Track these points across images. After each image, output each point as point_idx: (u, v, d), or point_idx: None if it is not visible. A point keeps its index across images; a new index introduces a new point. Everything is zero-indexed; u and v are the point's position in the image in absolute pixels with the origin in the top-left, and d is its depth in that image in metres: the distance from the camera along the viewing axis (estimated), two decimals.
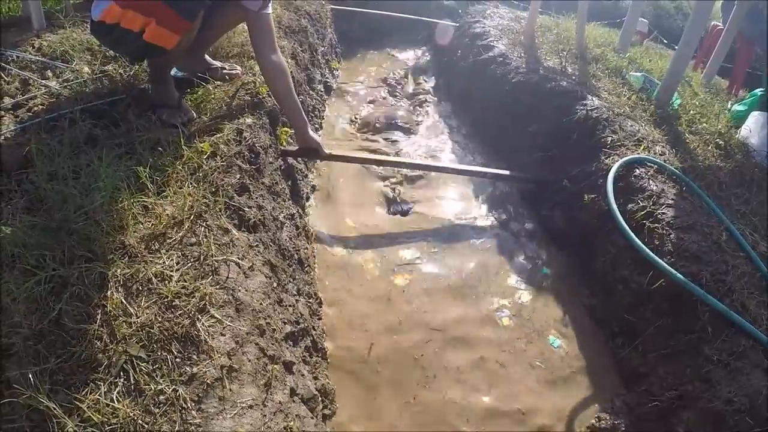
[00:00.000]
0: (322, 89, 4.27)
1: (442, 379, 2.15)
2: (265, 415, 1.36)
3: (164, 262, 1.54)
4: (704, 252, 2.17)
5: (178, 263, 1.55)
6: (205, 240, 1.64)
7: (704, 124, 3.27)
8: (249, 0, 2.21)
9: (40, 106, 2.14)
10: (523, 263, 2.84)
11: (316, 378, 1.90)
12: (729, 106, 3.87)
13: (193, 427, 1.22)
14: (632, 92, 3.53)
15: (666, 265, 2.11)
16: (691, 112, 3.42)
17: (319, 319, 2.27)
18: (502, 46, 4.38)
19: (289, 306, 1.93)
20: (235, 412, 1.29)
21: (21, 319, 1.32)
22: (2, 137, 1.89)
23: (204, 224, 1.70)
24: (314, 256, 2.61)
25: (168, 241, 1.62)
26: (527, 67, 3.85)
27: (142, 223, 1.65)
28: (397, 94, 4.82)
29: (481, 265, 2.77)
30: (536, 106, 3.49)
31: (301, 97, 3.35)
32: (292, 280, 2.12)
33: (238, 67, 2.74)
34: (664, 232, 2.29)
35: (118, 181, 1.70)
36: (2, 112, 2.04)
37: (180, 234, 1.64)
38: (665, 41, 6.43)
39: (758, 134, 3.15)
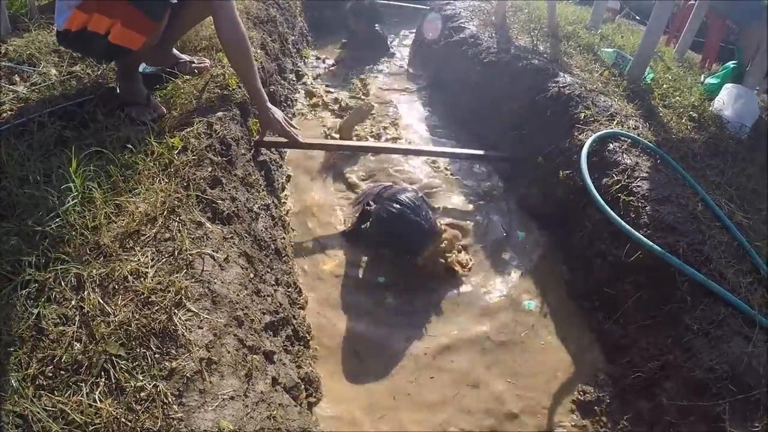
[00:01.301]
0: (294, 78, 4.24)
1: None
2: (247, 406, 1.36)
3: (139, 259, 1.53)
4: (680, 223, 2.19)
5: (153, 259, 1.54)
6: (178, 235, 1.63)
7: (677, 98, 3.31)
8: None
9: (9, 112, 2.11)
10: (505, 240, 2.87)
11: (299, 366, 1.90)
12: (702, 79, 3.91)
13: (175, 422, 1.21)
14: (604, 68, 3.55)
15: (642, 237, 2.13)
16: (664, 86, 3.46)
17: (300, 308, 2.27)
18: (473, 27, 4.37)
19: (268, 296, 1.92)
20: (216, 404, 1.29)
21: (0, 326, 1.31)
22: None
23: (177, 219, 1.69)
24: (291, 245, 2.60)
25: (142, 238, 1.61)
26: (498, 47, 3.84)
27: (115, 222, 1.64)
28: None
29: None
30: (509, 86, 3.49)
31: (273, 87, 3.32)
32: (269, 270, 2.11)
33: (207, 60, 2.70)
34: (640, 204, 2.32)
35: (89, 182, 1.69)
36: None
37: (153, 230, 1.62)
38: (637, 18, 6.46)
39: (731, 106, 3.18)
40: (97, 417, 1.18)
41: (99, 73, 2.47)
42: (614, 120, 2.81)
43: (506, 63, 3.61)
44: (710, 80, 3.77)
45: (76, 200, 1.62)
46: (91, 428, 1.16)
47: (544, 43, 3.85)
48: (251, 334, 1.60)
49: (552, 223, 2.89)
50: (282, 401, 1.54)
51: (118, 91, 2.31)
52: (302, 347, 2.04)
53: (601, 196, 2.35)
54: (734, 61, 3.79)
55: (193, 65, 2.64)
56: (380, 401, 2.02)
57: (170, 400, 1.24)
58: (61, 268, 1.45)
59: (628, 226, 2.18)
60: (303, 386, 1.82)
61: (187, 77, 2.56)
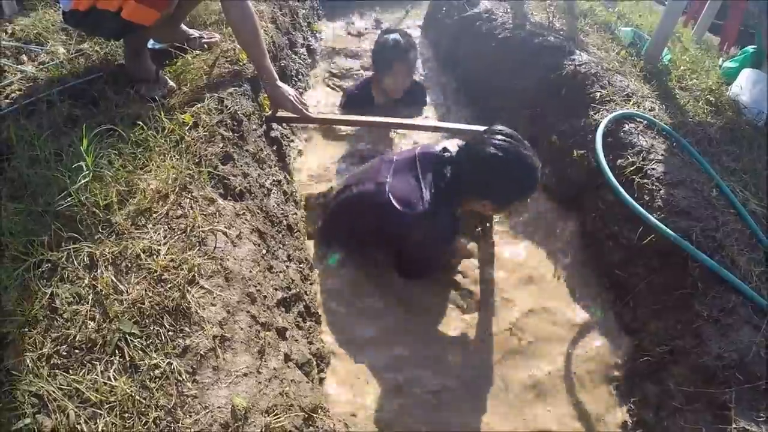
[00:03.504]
0: (305, 53, 4.18)
1: None
2: (260, 382, 1.37)
3: (151, 237, 1.53)
4: (694, 208, 2.16)
5: (165, 237, 1.54)
6: (191, 211, 1.62)
7: (695, 80, 3.24)
8: None
9: (18, 92, 2.11)
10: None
11: (310, 343, 1.91)
12: (720, 62, 3.83)
13: (189, 399, 1.23)
14: (621, 47, 3.48)
15: (656, 220, 2.11)
16: (682, 68, 3.38)
17: (311, 283, 2.27)
18: (487, 2, 4.27)
19: (280, 272, 1.92)
20: (230, 381, 1.31)
21: (14, 307, 1.32)
22: None
23: (189, 196, 1.68)
24: (303, 221, 2.59)
25: (154, 215, 1.60)
26: (514, 22, 3.76)
27: (127, 200, 1.63)
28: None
29: None
30: (524, 63, 3.41)
31: (284, 61, 3.28)
32: (281, 246, 2.11)
33: (217, 35, 2.67)
34: (654, 187, 2.29)
35: (100, 160, 1.68)
36: None
37: (166, 207, 1.62)
38: None
39: (749, 91, 3.12)
40: (111, 395, 1.19)
41: (107, 50, 2.45)
42: (630, 100, 2.76)
43: (521, 39, 3.52)
44: (728, 64, 3.69)
45: (87, 179, 1.61)
46: (105, 406, 1.18)
47: (560, 19, 3.76)
48: (264, 311, 1.60)
49: (564, 202, 2.85)
50: (294, 377, 1.55)
51: (127, 68, 2.29)
52: (314, 323, 2.05)
53: (615, 178, 2.32)
54: (754, 46, 3.70)
55: (203, 40, 2.60)
56: None
57: (184, 377, 1.26)
58: (73, 247, 1.45)
59: (641, 209, 2.16)
60: (315, 362, 1.83)
61: (197, 52, 2.53)
